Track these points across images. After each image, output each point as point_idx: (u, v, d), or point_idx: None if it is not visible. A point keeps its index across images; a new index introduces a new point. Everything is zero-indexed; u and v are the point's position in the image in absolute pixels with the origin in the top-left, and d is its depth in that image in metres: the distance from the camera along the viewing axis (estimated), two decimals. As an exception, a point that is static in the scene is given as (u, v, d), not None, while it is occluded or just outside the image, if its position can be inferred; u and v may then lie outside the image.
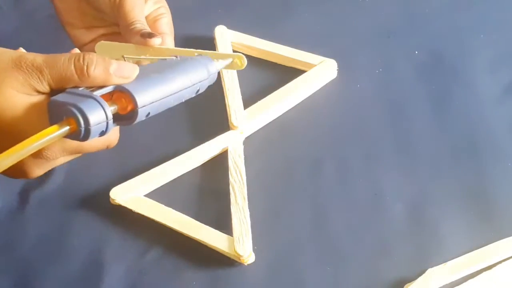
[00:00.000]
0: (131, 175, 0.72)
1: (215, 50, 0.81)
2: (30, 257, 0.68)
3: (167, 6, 0.67)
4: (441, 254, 0.66)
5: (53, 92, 0.53)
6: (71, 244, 0.69)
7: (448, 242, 0.67)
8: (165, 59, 0.59)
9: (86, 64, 0.53)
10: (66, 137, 0.51)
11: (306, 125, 0.77)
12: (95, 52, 0.61)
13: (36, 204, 0.71)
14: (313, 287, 0.65)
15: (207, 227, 0.68)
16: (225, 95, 0.77)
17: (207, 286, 0.66)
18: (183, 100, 0.56)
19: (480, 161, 0.73)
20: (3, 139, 0.52)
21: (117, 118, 0.52)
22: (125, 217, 0.70)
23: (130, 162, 0.73)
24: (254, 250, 0.67)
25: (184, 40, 0.81)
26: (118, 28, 0.65)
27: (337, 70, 0.80)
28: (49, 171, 0.72)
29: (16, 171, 0.54)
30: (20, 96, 0.52)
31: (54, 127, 0.50)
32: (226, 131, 0.75)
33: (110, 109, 0.51)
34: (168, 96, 0.54)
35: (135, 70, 0.54)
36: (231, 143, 0.74)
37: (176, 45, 0.65)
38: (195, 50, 0.59)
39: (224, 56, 0.60)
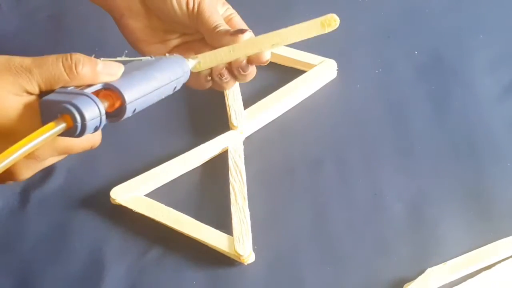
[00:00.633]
0: (131, 175, 0.72)
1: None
2: (30, 257, 0.68)
3: (231, 7, 0.69)
4: (441, 253, 0.66)
5: (42, 94, 0.54)
6: (71, 243, 0.69)
7: (448, 241, 0.67)
8: (141, 59, 0.60)
9: (74, 62, 0.53)
10: (61, 135, 0.51)
11: (306, 125, 0.77)
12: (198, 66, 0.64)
13: (36, 203, 0.71)
14: (313, 286, 0.66)
15: (207, 226, 0.68)
16: (225, 95, 0.77)
17: (207, 286, 0.66)
18: (163, 97, 0.58)
19: (480, 161, 0.73)
20: None
21: (106, 116, 0.53)
22: (125, 217, 0.70)
23: (131, 162, 0.73)
24: (254, 250, 0.67)
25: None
26: (189, 37, 0.68)
27: (337, 70, 0.80)
28: (49, 171, 0.73)
29: (4, 173, 0.53)
30: (11, 97, 0.52)
31: (51, 124, 0.50)
32: (226, 131, 0.75)
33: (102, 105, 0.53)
34: (151, 93, 0.56)
35: (120, 68, 0.56)
36: (231, 143, 0.74)
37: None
38: (276, 32, 0.63)
39: (310, 24, 0.64)
